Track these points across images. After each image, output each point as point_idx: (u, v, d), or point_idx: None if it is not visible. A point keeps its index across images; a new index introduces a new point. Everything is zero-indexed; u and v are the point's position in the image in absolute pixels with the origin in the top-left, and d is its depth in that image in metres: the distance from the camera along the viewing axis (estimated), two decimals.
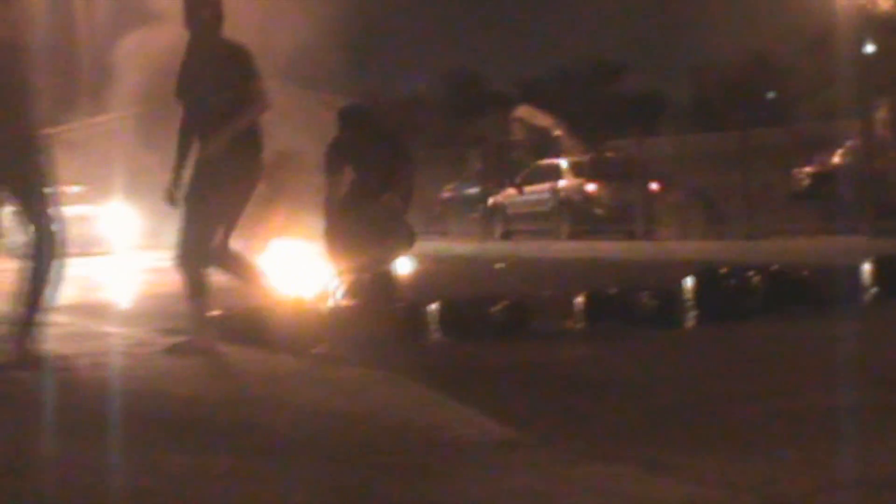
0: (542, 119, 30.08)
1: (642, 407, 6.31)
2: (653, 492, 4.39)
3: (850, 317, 9.63)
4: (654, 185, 24.60)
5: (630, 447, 5.26)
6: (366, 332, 9.20)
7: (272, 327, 9.11)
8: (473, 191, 28.66)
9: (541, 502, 4.18)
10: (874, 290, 10.84)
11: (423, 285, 12.73)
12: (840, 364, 7.30)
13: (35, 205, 6.75)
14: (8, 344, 6.94)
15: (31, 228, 6.78)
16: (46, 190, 6.82)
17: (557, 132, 29.28)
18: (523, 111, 30.96)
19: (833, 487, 4.53)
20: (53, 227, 6.77)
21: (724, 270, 10.85)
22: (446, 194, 30.37)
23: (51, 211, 6.80)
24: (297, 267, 12.92)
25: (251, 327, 9.15)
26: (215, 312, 9.61)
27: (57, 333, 8.63)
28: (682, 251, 20.11)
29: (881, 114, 20.13)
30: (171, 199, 8.13)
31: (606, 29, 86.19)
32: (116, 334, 9.43)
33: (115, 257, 25.34)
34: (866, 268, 10.97)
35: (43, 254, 6.77)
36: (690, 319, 9.94)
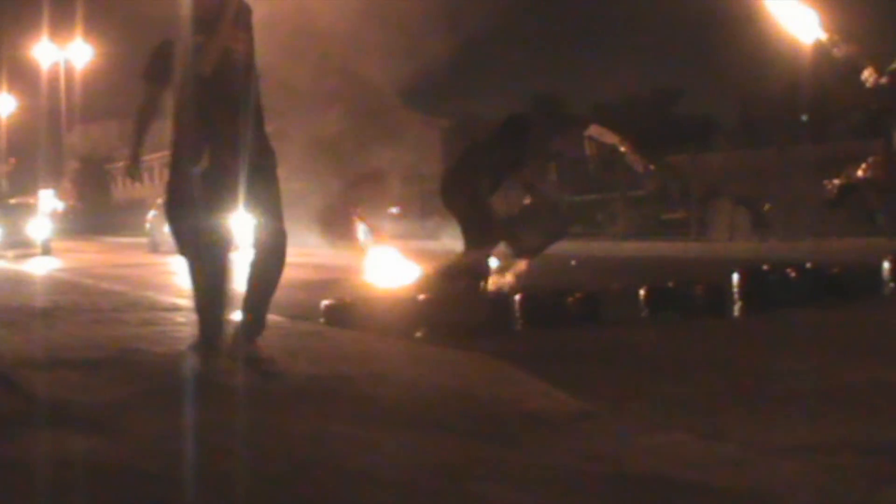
0: (610, 137, 29.89)
1: (697, 382, 6.27)
2: (707, 455, 4.35)
3: (873, 307, 9.53)
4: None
5: (688, 417, 5.23)
6: (460, 319, 9.22)
7: (380, 314, 9.17)
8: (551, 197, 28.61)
9: (611, 465, 4.15)
10: (893, 284, 10.72)
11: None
12: (866, 347, 7.21)
13: (272, 212, 6.10)
14: (236, 341, 6.18)
15: (264, 234, 6.14)
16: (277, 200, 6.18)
17: (623, 148, 29.06)
18: (594, 130, 30.77)
19: (865, 452, 4.48)
20: (282, 235, 6.15)
21: (766, 267, 10.76)
22: (527, 201, 30.34)
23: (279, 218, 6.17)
24: (396, 265, 12.99)
25: (362, 314, 9.22)
26: (328, 301, 9.70)
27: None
28: (730, 251, 19.95)
29: None
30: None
31: (666, 59, 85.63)
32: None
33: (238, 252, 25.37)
34: (886, 265, 10.85)
35: (275, 257, 6.18)
36: (737, 310, 9.86)
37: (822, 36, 5.82)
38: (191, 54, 5.49)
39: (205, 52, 5.48)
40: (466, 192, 10.66)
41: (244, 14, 5.63)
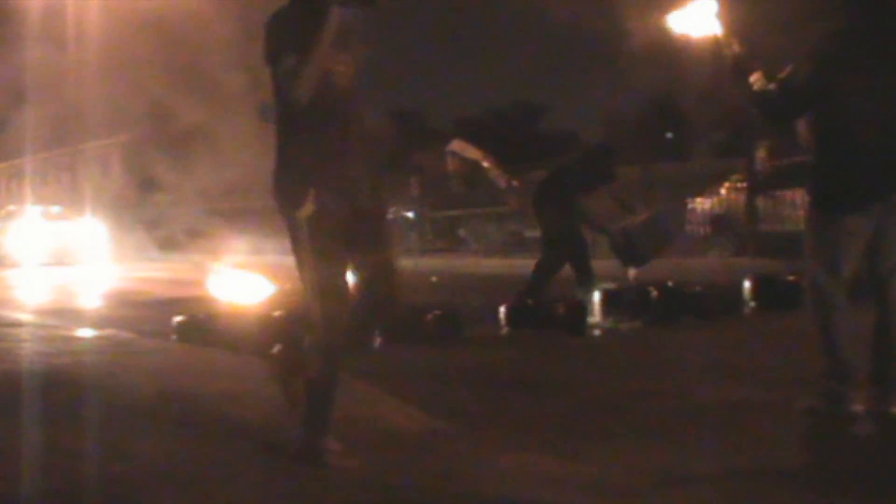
0: (472, 152, 30.11)
1: (555, 402, 6.33)
2: (563, 476, 4.41)
3: (732, 327, 9.74)
4: None
5: (546, 437, 5.29)
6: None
7: (235, 331, 9.08)
8: (412, 213, 28.73)
9: (465, 485, 4.18)
10: (753, 303, 10.97)
11: None
12: (724, 367, 7.37)
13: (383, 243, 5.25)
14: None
15: (369, 268, 5.16)
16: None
17: (486, 164, 29.31)
18: (456, 145, 30.97)
19: (722, 475, 4.58)
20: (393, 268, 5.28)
21: (626, 286, 10.95)
22: (389, 216, 30.42)
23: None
24: (253, 281, 12.89)
25: (216, 331, 9.12)
26: (180, 317, 9.58)
27: (41, 335, 8.55)
28: (597, 269, 20.19)
29: (761, 154, 20.39)
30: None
31: (532, 75, 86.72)
32: (95, 336, 9.33)
33: (90, 268, 24.99)
34: (746, 285, 11.10)
35: (380, 291, 5.22)
36: (597, 327, 10.01)
37: (717, 33, 5.92)
38: (284, 79, 4.63)
39: (299, 76, 4.63)
40: (555, 208, 11.29)
41: (346, 34, 4.86)
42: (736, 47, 5.85)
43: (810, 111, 5.67)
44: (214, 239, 26.60)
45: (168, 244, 27.00)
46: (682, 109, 43.36)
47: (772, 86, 5.68)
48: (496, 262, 24.00)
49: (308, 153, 4.80)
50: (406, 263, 23.41)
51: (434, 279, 19.07)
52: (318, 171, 4.81)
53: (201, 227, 29.66)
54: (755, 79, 5.75)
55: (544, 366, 7.94)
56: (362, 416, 5.46)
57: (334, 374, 4.87)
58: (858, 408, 5.57)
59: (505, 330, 9.83)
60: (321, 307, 4.78)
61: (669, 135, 52.52)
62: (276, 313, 9.74)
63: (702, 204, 22.61)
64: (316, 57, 4.69)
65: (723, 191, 22.51)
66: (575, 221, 11.55)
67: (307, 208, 4.76)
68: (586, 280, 11.26)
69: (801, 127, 5.90)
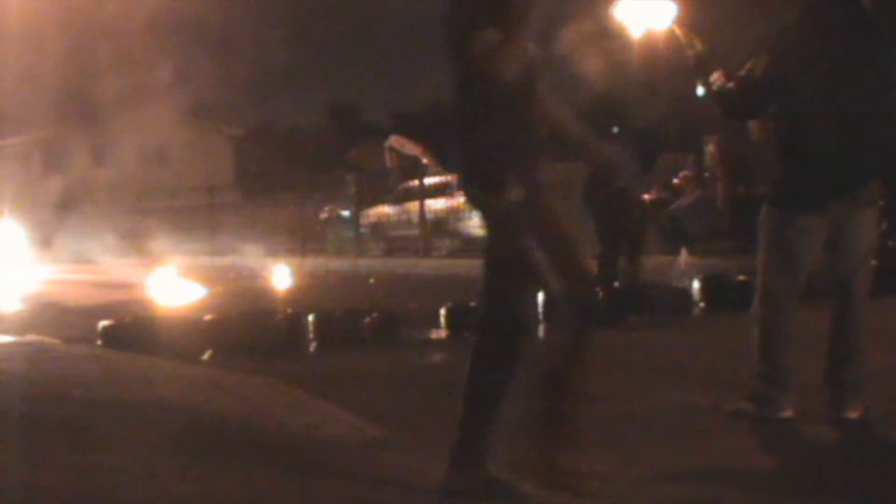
0: (412, 148, 30.12)
1: (501, 408, 6.35)
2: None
3: (681, 328, 9.83)
4: None
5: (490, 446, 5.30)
6: (249, 340, 9.16)
7: (164, 336, 9.05)
8: (348, 212, 28.64)
9: (402, 495, 4.19)
10: (702, 304, 11.07)
11: (302, 298, 12.68)
12: (672, 369, 7.44)
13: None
14: None
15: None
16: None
17: (426, 160, 29.32)
18: (395, 140, 30.96)
19: (673, 479, 4.63)
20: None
21: None
22: (324, 215, 30.27)
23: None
24: (182, 284, 12.85)
25: (145, 336, 9.08)
26: (107, 322, 9.53)
27: None
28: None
29: (710, 149, 20.51)
30: None
31: None
32: (16, 342, 9.24)
33: (10, 271, 24.63)
34: (696, 285, 11.20)
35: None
36: (541, 330, 10.03)
37: (676, 31, 5.96)
38: (484, 55, 4.32)
39: (504, 52, 4.38)
40: (608, 199, 11.68)
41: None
42: (698, 46, 5.91)
43: (769, 107, 5.74)
44: (143, 239, 26.45)
45: (94, 245, 26.78)
46: (628, 103, 43.63)
47: (731, 84, 5.74)
48: (437, 262, 24.01)
49: (511, 135, 4.53)
50: (342, 265, 23.39)
51: (372, 281, 19.05)
52: (523, 153, 4.57)
53: (129, 227, 29.45)
54: (716, 77, 5.81)
55: None
56: (295, 424, 5.46)
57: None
58: (788, 413, 5.63)
59: (445, 333, 9.85)
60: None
61: (615, 129, 52.82)
62: (207, 317, 9.72)
63: (649, 200, 22.70)
64: (523, 32, 4.47)
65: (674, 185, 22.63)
66: (628, 209, 12.05)
67: (516, 193, 4.46)
68: (635, 266, 11.81)
69: (753, 124, 5.97)
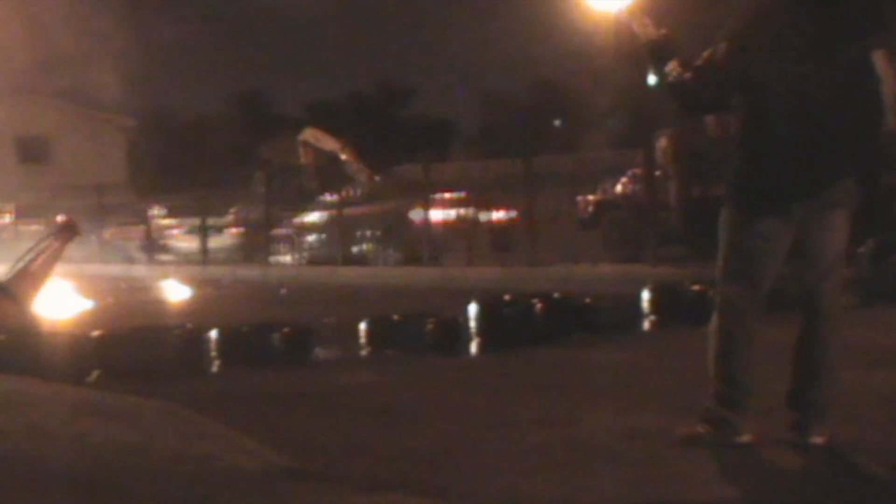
0: (329, 142, 30.05)
1: (428, 434, 6.35)
2: None
3: (628, 344, 9.87)
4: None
5: (411, 474, 5.29)
6: (144, 358, 9.08)
7: (45, 354, 8.94)
8: (257, 215, 28.50)
9: None
10: (652, 317, 11.12)
11: (205, 311, 12.61)
12: (619, 389, 7.46)
13: None
14: None
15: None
16: None
17: (344, 156, 29.28)
18: (310, 134, 30.89)
19: None
20: None
21: (507, 298, 11.00)
22: (230, 218, 30.12)
23: None
24: (66, 295, 12.73)
25: (22, 354, 8.97)
26: None
27: None
28: (469, 278, 20.31)
29: (662, 143, 20.57)
30: None
31: (397, 54, 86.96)
32: None
33: None
34: (645, 296, 11.23)
35: None
36: (474, 347, 10.05)
37: (629, 14, 5.97)
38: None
39: None
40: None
41: None
42: (652, 32, 5.92)
43: (729, 101, 5.77)
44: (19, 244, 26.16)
45: None
46: (573, 93, 43.88)
47: (688, 74, 5.75)
48: (355, 270, 23.97)
49: None
50: (251, 273, 23.34)
51: (284, 291, 19.01)
52: None
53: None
54: (672, 67, 5.82)
55: (409, 391, 7.96)
56: (195, 453, 5.41)
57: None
58: (747, 438, 5.66)
59: (365, 350, 9.83)
60: None
61: (558, 122, 53.13)
62: (95, 333, 9.62)
63: (594, 202, 22.79)
64: None
65: (619, 186, 22.73)
66: None
67: None
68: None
69: (710, 118, 5.99)
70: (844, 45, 5.61)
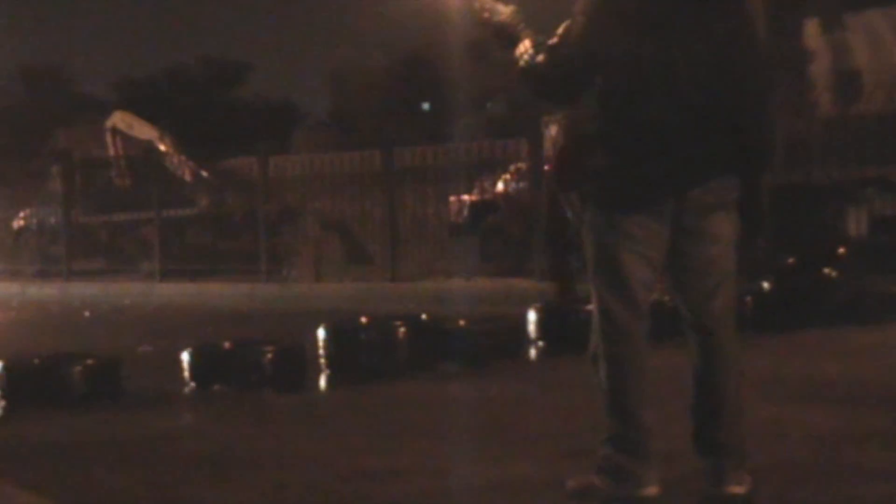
0: (143, 130, 29.85)
1: (264, 489, 6.33)
2: None
3: (509, 376, 9.90)
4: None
5: None
6: None
7: None
8: (54, 218, 28.24)
9: None
10: (538, 343, 11.17)
11: None
12: (497, 431, 7.49)
13: None
14: None
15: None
16: None
17: (163, 147, 29.11)
18: (119, 119, 30.68)
19: None
20: None
21: (363, 320, 10.99)
22: (20, 222, 29.80)
23: None
24: None
25: None
26: None
27: None
28: (317, 295, 20.29)
29: (552, 132, 20.63)
30: None
31: (226, 27, 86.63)
32: None
33: None
34: (531, 317, 11.27)
35: None
36: (322, 381, 10.03)
37: None
38: None
39: None
40: None
41: None
42: (500, 9, 5.95)
43: (588, 85, 5.80)
44: None
45: None
46: (444, 71, 43.98)
47: (540, 57, 5.78)
48: (176, 287, 23.86)
49: None
50: (47, 292, 23.28)
51: (87, 314, 18.85)
52: None
53: None
54: (523, 49, 5.85)
55: (241, 436, 7.93)
56: None
57: None
58: (651, 490, 5.65)
59: (188, 386, 9.76)
60: None
61: (426, 105, 53.22)
62: None
63: (469, 203, 22.89)
64: None
65: (500, 184, 22.84)
66: None
67: None
68: None
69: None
70: (717, 20, 5.65)
